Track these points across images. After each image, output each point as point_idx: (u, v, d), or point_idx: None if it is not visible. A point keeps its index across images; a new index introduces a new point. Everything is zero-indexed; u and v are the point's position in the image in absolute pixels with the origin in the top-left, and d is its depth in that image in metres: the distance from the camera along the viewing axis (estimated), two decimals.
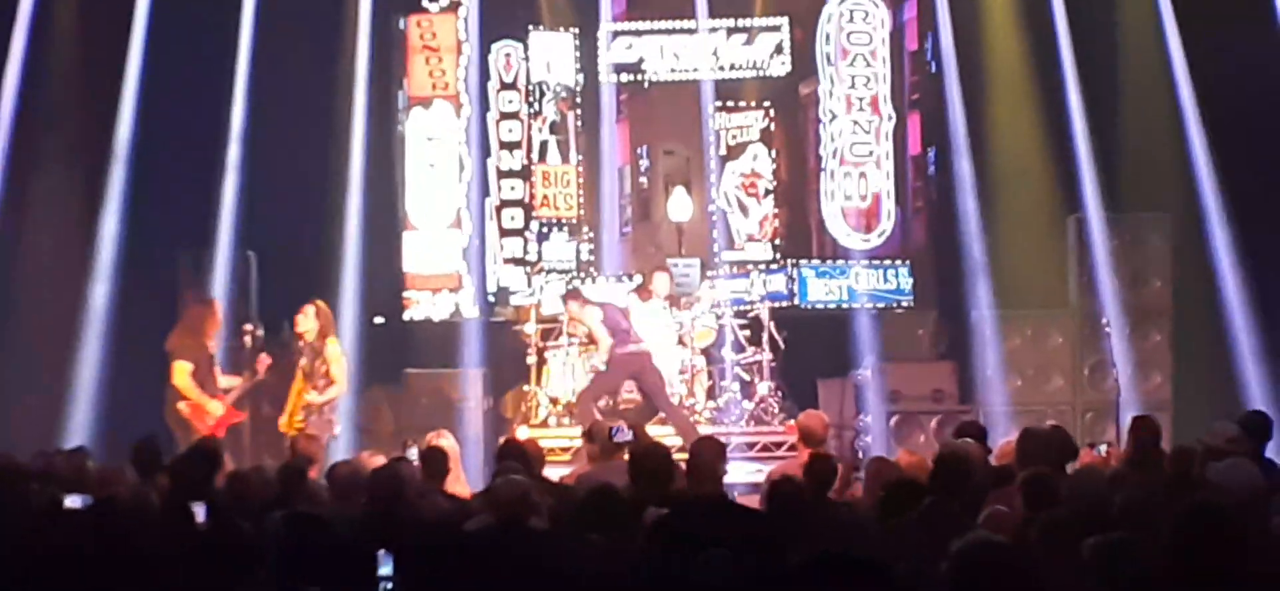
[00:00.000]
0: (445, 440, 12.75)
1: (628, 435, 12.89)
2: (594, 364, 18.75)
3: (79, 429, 18.12)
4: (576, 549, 8.22)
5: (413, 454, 12.64)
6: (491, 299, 21.66)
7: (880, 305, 20.88)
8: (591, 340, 18.63)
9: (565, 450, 17.77)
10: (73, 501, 9.39)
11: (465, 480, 13.08)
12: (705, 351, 19.77)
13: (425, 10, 21.82)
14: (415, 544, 7.24)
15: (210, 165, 20.42)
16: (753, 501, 12.43)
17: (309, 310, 17.02)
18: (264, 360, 17.37)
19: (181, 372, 16.83)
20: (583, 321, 18.55)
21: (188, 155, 20.25)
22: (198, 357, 16.95)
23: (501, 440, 13.87)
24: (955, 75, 21.04)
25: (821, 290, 21.13)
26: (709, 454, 10.38)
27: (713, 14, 21.73)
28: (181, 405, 16.80)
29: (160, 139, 20.11)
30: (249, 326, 18.03)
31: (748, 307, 20.25)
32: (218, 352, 17.45)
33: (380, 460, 11.94)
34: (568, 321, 19.35)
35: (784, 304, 20.72)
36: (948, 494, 9.06)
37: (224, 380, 17.22)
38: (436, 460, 11.97)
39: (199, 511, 9.68)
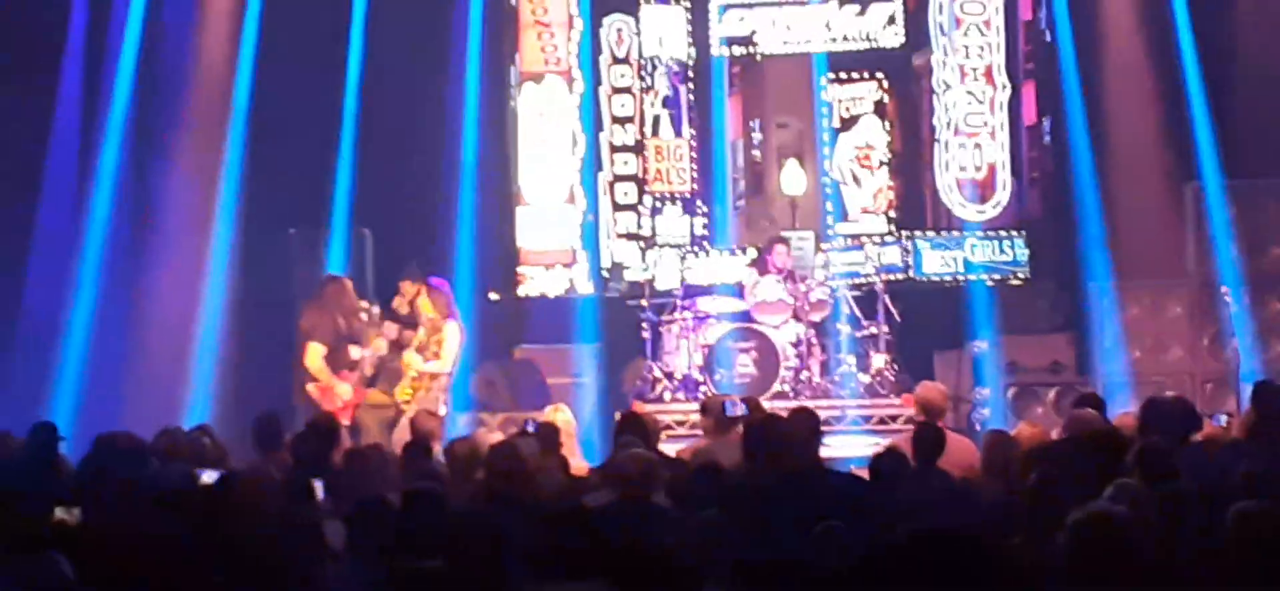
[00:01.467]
0: (561, 415, 12.80)
1: (742, 409, 12.87)
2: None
3: (199, 408, 18.23)
4: (693, 523, 8.21)
5: (529, 428, 12.68)
6: (605, 274, 21.66)
7: (996, 277, 20.75)
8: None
9: (680, 424, 17.79)
10: (208, 477, 9.46)
11: (581, 454, 13.12)
12: (819, 324, 19.69)
13: None
14: (534, 518, 7.24)
15: (324, 143, 20.53)
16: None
17: (421, 288, 17.16)
18: (386, 332, 17.43)
19: (314, 354, 16.94)
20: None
21: (301, 134, 20.35)
22: (331, 337, 17.04)
23: (619, 415, 13.86)
24: (1070, 43, 20.86)
25: (937, 262, 21.03)
26: (803, 426, 10.31)
27: None
28: (311, 386, 16.91)
29: (274, 118, 20.23)
30: (365, 304, 18.10)
31: (862, 280, 20.18)
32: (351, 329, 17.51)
33: (497, 436, 12.00)
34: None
35: (899, 276, 20.64)
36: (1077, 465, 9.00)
37: (355, 352, 17.30)
38: (552, 435, 12.01)
39: (319, 488, 9.77)
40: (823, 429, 16.74)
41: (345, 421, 16.36)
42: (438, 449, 12.45)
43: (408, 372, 17.07)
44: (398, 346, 17.59)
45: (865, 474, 10.38)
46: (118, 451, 10.81)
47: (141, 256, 19.79)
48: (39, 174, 19.72)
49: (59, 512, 7.75)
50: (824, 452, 14.84)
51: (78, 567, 7.22)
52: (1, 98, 18.25)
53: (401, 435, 14.68)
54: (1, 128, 18.48)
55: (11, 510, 8.39)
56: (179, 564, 7.95)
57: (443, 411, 16.73)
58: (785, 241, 20.13)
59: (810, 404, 17.57)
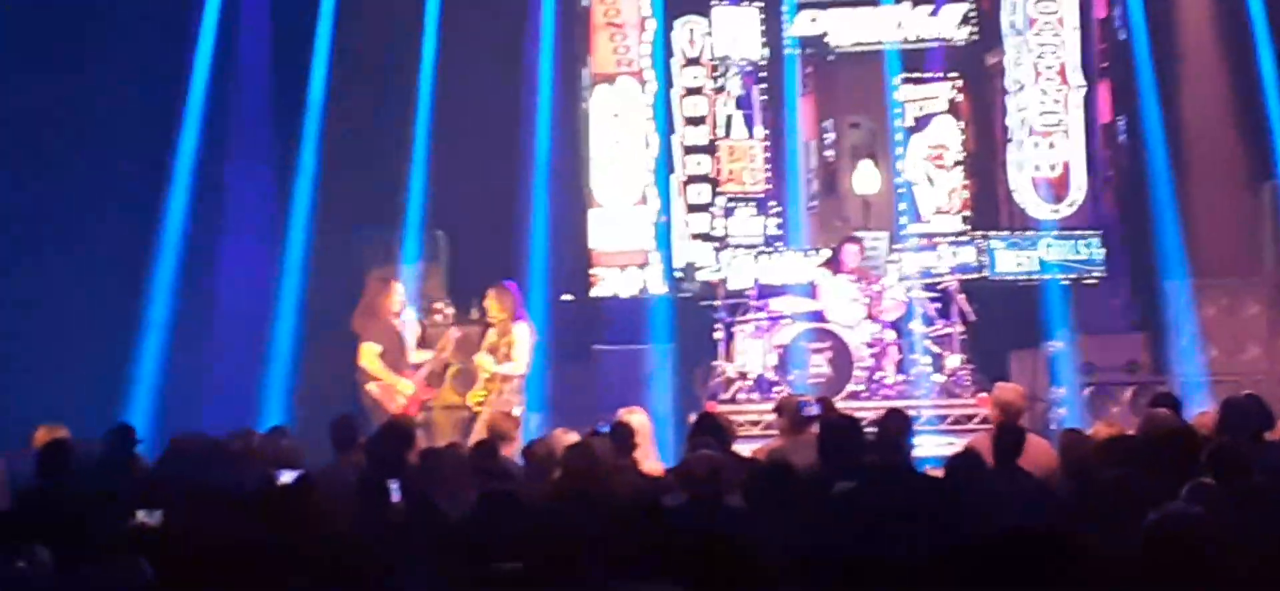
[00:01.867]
0: (636, 416, 12.79)
1: (817, 409, 12.86)
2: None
3: (274, 409, 18.32)
4: (767, 524, 8.20)
5: (601, 429, 12.69)
6: (678, 274, 21.65)
7: (1071, 276, 20.66)
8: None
9: (754, 424, 17.77)
10: (286, 477, 9.51)
11: (656, 455, 13.11)
12: (894, 325, 19.64)
13: None
14: (609, 518, 7.25)
15: (398, 145, 20.62)
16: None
17: (490, 292, 17.22)
18: (453, 335, 17.50)
19: (368, 354, 17.01)
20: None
21: (376, 135, 20.45)
22: (384, 337, 17.10)
23: (692, 417, 13.83)
24: (1145, 41, 20.75)
25: (1011, 262, 20.95)
26: (895, 427, 10.31)
27: None
28: (371, 386, 16.97)
29: (349, 119, 20.33)
30: (439, 305, 18.17)
31: (937, 280, 20.10)
32: (409, 330, 17.56)
33: (573, 437, 12.01)
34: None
35: (973, 276, 20.57)
36: (1152, 464, 8.96)
37: (417, 355, 17.36)
38: (627, 435, 12.01)
39: (394, 489, 9.80)
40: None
41: (417, 417, 16.44)
42: (513, 449, 12.51)
43: (481, 375, 17.12)
44: (466, 348, 17.66)
45: (940, 474, 10.34)
46: (194, 453, 10.88)
47: (216, 257, 19.90)
48: (115, 176, 19.84)
49: (140, 516, 7.79)
50: None
51: (158, 569, 7.26)
52: (77, 99, 18.34)
53: (478, 436, 14.73)
54: (76, 132, 18.58)
55: (91, 513, 8.46)
56: (257, 565, 8.00)
57: (517, 412, 16.77)
58: (859, 241, 20.12)
59: (885, 404, 17.66)
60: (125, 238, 19.58)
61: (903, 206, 21.63)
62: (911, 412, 17.91)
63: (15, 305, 17.35)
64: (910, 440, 10.25)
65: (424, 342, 17.88)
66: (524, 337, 17.07)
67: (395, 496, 9.82)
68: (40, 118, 18.18)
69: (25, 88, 18.19)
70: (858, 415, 12.06)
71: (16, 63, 18.39)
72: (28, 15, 18.73)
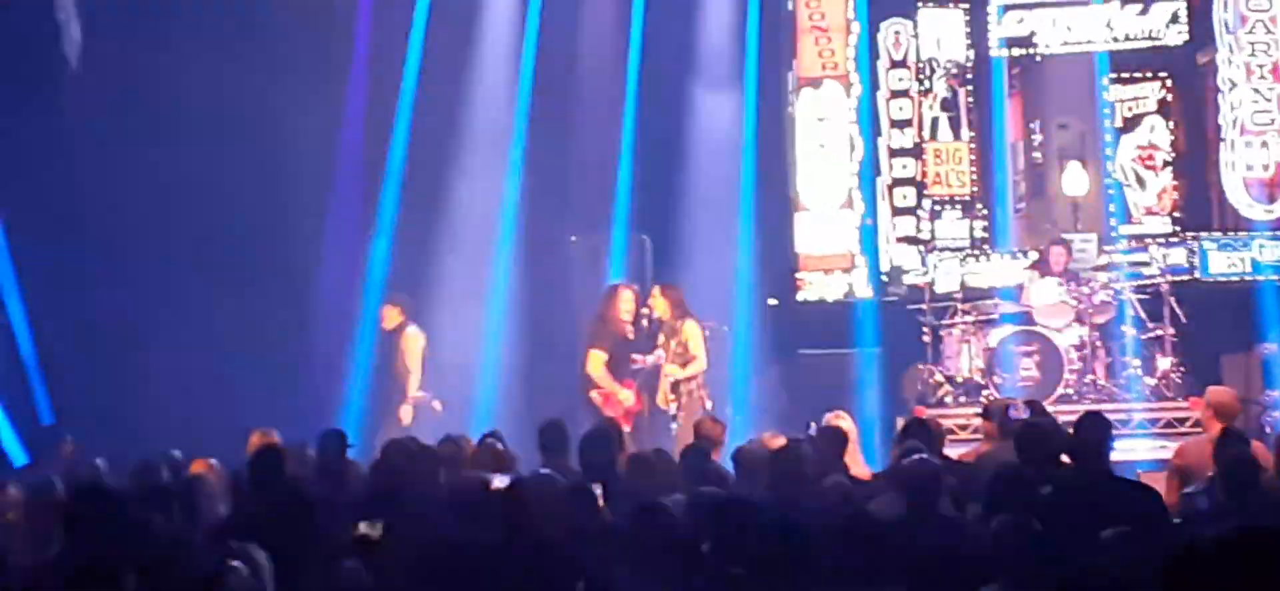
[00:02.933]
0: (843, 420, 12.77)
1: (1025, 413, 12.76)
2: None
3: (485, 414, 18.49)
4: (979, 530, 8.17)
5: (809, 431, 12.68)
6: (884, 278, 21.56)
7: None
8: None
9: (962, 428, 17.68)
10: (500, 482, 9.60)
11: (862, 460, 13.09)
12: (1103, 327, 19.44)
13: None
14: (821, 525, 7.26)
15: (605, 151, 20.76)
16: (1157, 479, 12.25)
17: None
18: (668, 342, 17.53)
19: (596, 361, 17.11)
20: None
21: (581, 140, 20.60)
22: (610, 344, 17.19)
23: (902, 420, 13.75)
24: None
25: (1223, 263, 20.64)
26: (1093, 433, 10.16)
27: None
28: (594, 394, 17.07)
29: (553, 124, 20.50)
30: (645, 310, 18.23)
31: (1147, 282, 19.86)
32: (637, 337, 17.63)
33: (781, 441, 12.01)
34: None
35: (1184, 277, 20.30)
36: None
37: (639, 358, 17.43)
38: (835, 440, 11.99)
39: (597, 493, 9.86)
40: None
41: (627, 428, 16.48)
42: (720, 454, 12.52)
43: (665, 381, 17.16)
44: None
45: (1154, 478, 10.24)
46: (408, 458, 11.00)
47: (428, 264, 20.12)
48: (328, 186, 20.17)
49: (362, 527, 7.91)
50: (1111, 455, 14.68)
51: (376, 575, 7.38)
52: (292, 107, 18.63)
53: (683, 441, 14.76)
54: (292, 140, 18.87)
55: (309, 517, 8.61)
56: (472, 570, 8.10)
57: (709, 405, 16.82)
58: (1067, 244, 19.93)
59: (1095, 408, 17.48)
60: (338, 243, 19.89)
61: (1112, 208, 21.39)
62: (1121, 416, 17.95)
63: (230, 314, 17.63)
64: (1110, 445, 10.06)
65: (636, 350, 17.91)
66: (696, 334, 17.09)
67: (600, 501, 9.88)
68: (261, 128, 18.46)
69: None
70: (1065, 419, 11.98)
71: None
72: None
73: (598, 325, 17.39)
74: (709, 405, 16.92)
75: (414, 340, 17.99)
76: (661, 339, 17.23)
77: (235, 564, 7.23)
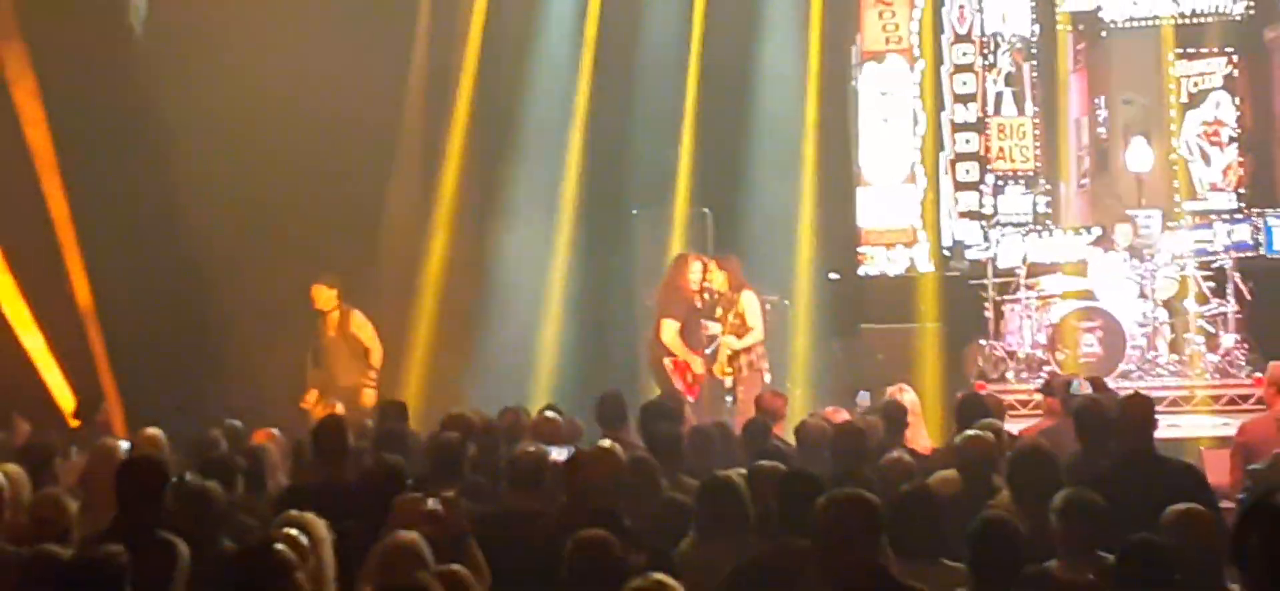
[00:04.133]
0: (906, 395, 12.76)
1: (1087, 389, 12.72)
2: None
3: (546, 385, 18.53)
4: (1035, 511, 8.13)
5: (862, 398, 12.66)
6: (946, 253, 21.50)
7: None
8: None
9: (1024, 404, 17.62)
10: (558, 454, 9.62)
11: (925, 435, 13.08)
12: (1166, 304, 19.34)
13: None
14: (884, 500, 7.25)
15: (667, 124, 20.77)
16: (1222, 455, 12.20)
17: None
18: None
19: (670, 330, 17.10)
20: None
21: (645, 114, 20.61)
22: (683, 313, 17.19)
23: (960, 395, 13.73)
24: None
25: None
26: (1137, 414, 10.07)
27: None
28: (666, 361, 17.08)
29: (617, 99, 20.51)
30: (706, 282, 18.22)
31: (1211, 259, 19.72)
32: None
33: (843, 414, 12.00)
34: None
35: (1249, 254, 20.15)
36: None
37: (711, 327, 17.44)
38: (897, 414, 11.98)
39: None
40: (1171, 409, 16.58)
41: (692, 398, 16.51)
42: (783, 428, 12.52)
43: (722, 352, 17.16)
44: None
45: (1218, 456, 10.18)
46: (467, 429, 11.03)
47: (490, 237, 20.18)
48: (391, 156, 20.24)
49: (430, 503, 7.94)
50: (1174, 433, 14.66)
51: (438, 549, 7.39)
52: (354, 89, 18.68)
53: (744, 414, 14.77)
54: (356, 107, 18.91)
55: (374, 490, 8.65)
56: (532, 541, 8.12)
57: (767, 378, 16.79)
58: (1131, 220, 19.83)
59: (1157, 384, 17.44)
60: (400, 220, 19.99)
61: (1177, 184, 21.27)
62: (1184, 393, 17.87)
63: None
64: (1154, 424, 9.94)
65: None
66: (753, 305, 17.08)
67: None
68: (318, 108, 18.53)
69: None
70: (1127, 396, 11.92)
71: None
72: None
73: (669, 294, 17.39)
74: (768, 378, 16.89)
75: (364, 320, 17.55)
76: (719, 311, 17.23)
77: (292, 532, 7.25)
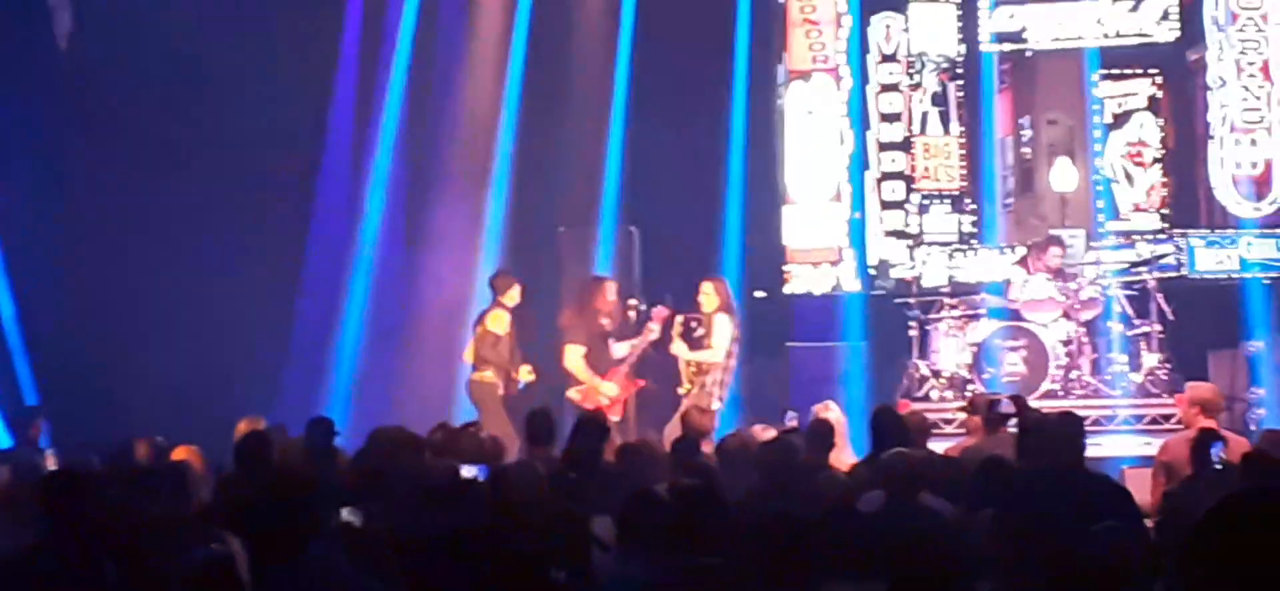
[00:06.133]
0: (832, 413, 12.79)
1: (1011, 408, 12.78)
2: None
3: (470, 404, 18.50)
4: (967, 524, 8.17)
5: (790, 418, 12.67)
6: (872, 271, 21.57)
7: (1272, 275, 20.30)
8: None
9: (949, 422, 17.69)
10: (469, 471, 9.61)
11: (851, 452, 13.11)
12: (1090, 323, 19.45)
13: None
14: (809, 517, 7.26)
15: (593, 141, 20.76)
16: (1144, 474, 12.28)
17: (707, 287, 17.27)
18: (661, 313, 17.45)
19: (572, 355, 17.08)
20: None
21: (569, 133, 20.60)
22: (588, 338, 17.15)
23: (876, 409, 13.73)
24: None
25: (1211, 260, 20.60)
26: (1066, 431, 10.09)
27: None
28: (573, 392, 17.04)
29: (542, 117, 20.50)
30: (633, 301, 18.24)
31: (1134, 279, 19.85)
32: (614, 328, 17.62)
33: (769, 432, 12.01)
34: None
35: (1172, 274, 20.26)
36: None
37: (618, 348, 17.40)
38: (823, 432, 12.00)
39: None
40: (1094, 429, 16.69)
41: (615, 417, 16.48)
42: (710, 445, 12.53)
43: (683, 365, 17.17)
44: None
45: (1142, 472, 10.24)
46: (393, 444, 11.00)
47: (413, 254, 20.14)
48: (314, 179, 20.19)
49: (345, 514, 7.91)
50: (1097, 452, 14.74)
51: (356, 561, 7.36)
52: (278, 107, 18.62)
53: (672, 429, 14.77)
54: (278, 138, 18.86)
55: (293, 502, 8.59)
56: (449, 557, 8.09)
57: (717, 405, 16.76)
58: (1055, 239, 19.93)
59: (1081, 403, 17.54)
60: (325, 233, 19.92)
61: (1100, 204, 21.40)
62: (1107, 412, 17.98)
63: (222, 303, 17.63)
64: (1083, 442, 9.98)
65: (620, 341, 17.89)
66: (722, 328, 17.09)
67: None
68: (241, 128, 18.46)
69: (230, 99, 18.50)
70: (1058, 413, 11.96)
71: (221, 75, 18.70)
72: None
73: (576, 317, 17.36)
74: (717, 404, 16.83)
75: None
76: (699, 331, 17.25)
77: (214, 546, 7.22)
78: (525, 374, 17.34)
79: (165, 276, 18.27)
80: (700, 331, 17.34)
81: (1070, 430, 9.83)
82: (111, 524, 8.13)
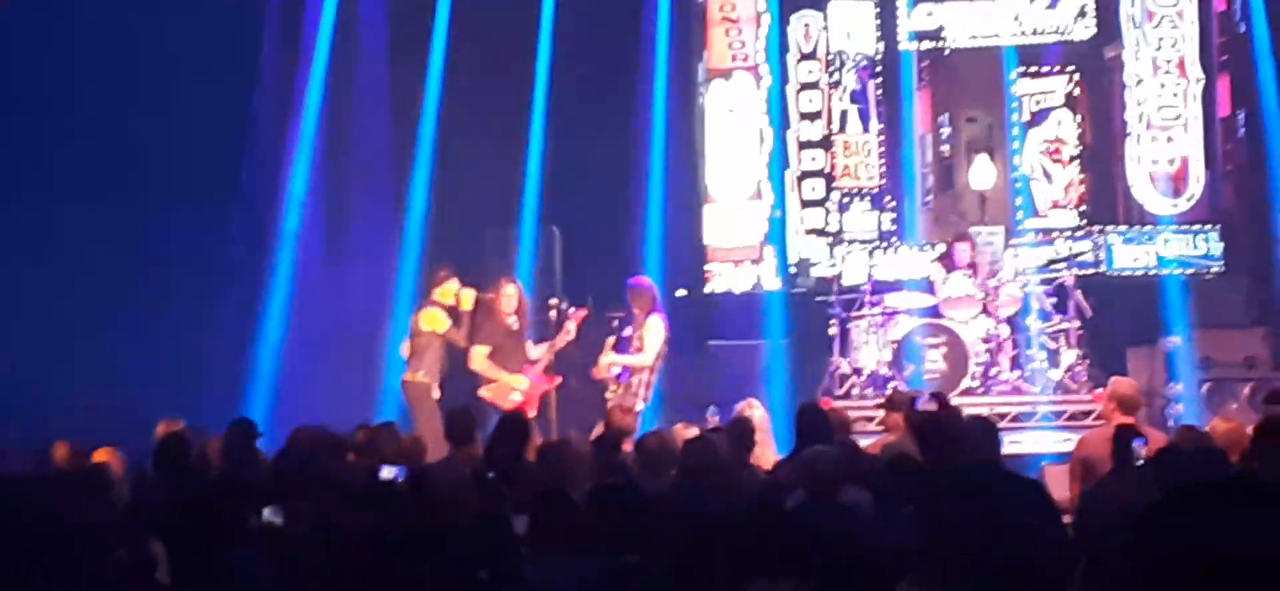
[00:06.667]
0: (755, 411, 12.80)
1: (932, 404, 12.81)
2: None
3: (392, 404, 18.44)
4: (885, 519, 8.19)
5: (710, 418, 12.67)
6: (793, 270, 21.63)
7: (1190, 271, 20.49)
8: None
9: (869, 420, 17.73)
10: (387, 472, 9.58)
11: (774, 449, 13.12)
12: (1009, 320, 19.54)
13: None
14: (729, 514, 7.27)
15: (513, 142, 20.73)
16: (1062, 470, 12.33)
17: (633, 287, 17.29)
18: (578, 314, 17.45)
19: (478, 357, 17.03)
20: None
21: (491, 133, 20.56)
22: (494, 337, 17.12)
23: (800, 405, 13.76)
24: (1266, 34, 20.55)
25: (1129, 256, 20.79)
26: (983, 427, 10.14)
27: None
28: (484, 391, 17.01)
29: (463, 117, 20.45)
30: (554, 300, 18.21)
31: (1053, 275, 19.97)
32: (527, 328, 17.59)
33: (691, 431, 12.02)
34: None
35: (1090, 271, 20.42)
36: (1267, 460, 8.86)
37: (534, 350, 17.39)
38: (745, 430, 12.00)
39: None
40: (1013, 425, 16.78)
41: (531, 413, 16.46)
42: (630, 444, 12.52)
43: (603, 359, 17.18)
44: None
45: (1061, 468, 10.28)
46: (314, 445, 10.96)
47: (334, 255, 20.07)
48: (235, 177, 20.06)
49: (266, 515, 7.87)
50: (1016, 449, 14.81)
51: (275, 564, 7.33)
52: (199, 105, 18.52)
53: (597, 432, 14.76)
54: (198, 137, 18.75)
55: (211, 505, 8.55)
56: (372, 558, 8.06)
57: (641, 406, 16.76)
58: (973, 237, 20.02)
59: (1001, 400, 17.63)
60: (245, 234, 19.81)
61: (1019, 201, 21.53)
62: (1026, 408, 18.07)
63: (140, 305, 17.51)
64: (999, 441, 10.02)
65: (542, 340, 17.86)
66: (654, 331, 17.11)
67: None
68: (161, 133, 18.34)
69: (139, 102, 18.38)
70: (971, 412, 12.02)
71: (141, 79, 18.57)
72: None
73: (479, 320, 17.33)
74: (642, 404, 16.83)
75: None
76: (628, 331, 17.27)
77: (121, 552, 7.17)
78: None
79: (83, 281, 18.12)
80: (628, 332, 17.34)
81: (980, 429, 9.87)
82: (32, 529, 8.06)
